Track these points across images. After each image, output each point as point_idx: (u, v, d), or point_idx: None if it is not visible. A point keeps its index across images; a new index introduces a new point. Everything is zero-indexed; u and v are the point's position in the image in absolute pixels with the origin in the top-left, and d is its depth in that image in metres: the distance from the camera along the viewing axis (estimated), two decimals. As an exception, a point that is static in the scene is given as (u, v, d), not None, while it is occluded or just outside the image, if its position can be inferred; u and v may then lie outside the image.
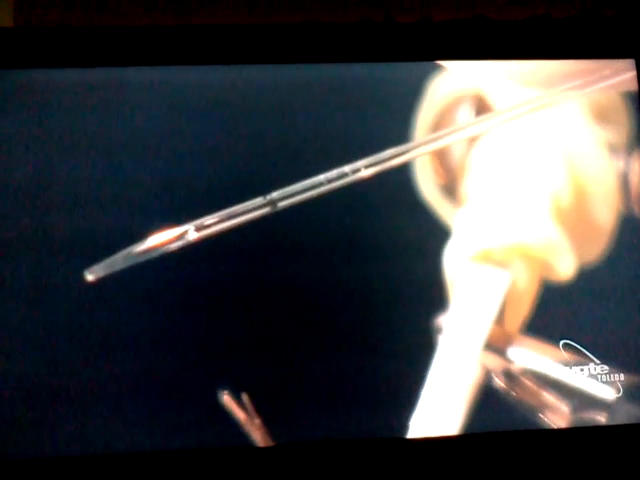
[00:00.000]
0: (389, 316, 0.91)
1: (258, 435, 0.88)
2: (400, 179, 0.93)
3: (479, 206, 0.94)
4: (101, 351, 0.88)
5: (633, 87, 0.97)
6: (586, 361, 0.92)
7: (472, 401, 0.90)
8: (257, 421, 0.88)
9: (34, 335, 0.87)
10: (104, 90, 0.92)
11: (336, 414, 0.89)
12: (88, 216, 0.89)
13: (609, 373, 0.92)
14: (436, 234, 0.92)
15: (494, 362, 0.91)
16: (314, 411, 0.89)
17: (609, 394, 0.92)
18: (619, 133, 0.96)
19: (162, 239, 0.89)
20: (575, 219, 0.94)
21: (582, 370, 0.92)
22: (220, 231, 0.90)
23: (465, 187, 0.94)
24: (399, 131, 0.94)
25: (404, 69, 0.96)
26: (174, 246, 0.89)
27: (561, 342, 0.92)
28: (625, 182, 0.96)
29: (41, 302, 0.88)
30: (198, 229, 0.89)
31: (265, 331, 0.89)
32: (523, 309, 0.92)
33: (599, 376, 0.92)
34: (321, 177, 0.91)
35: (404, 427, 0.89)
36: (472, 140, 0.95)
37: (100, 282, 0.88)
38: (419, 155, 0.93)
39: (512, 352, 0.92)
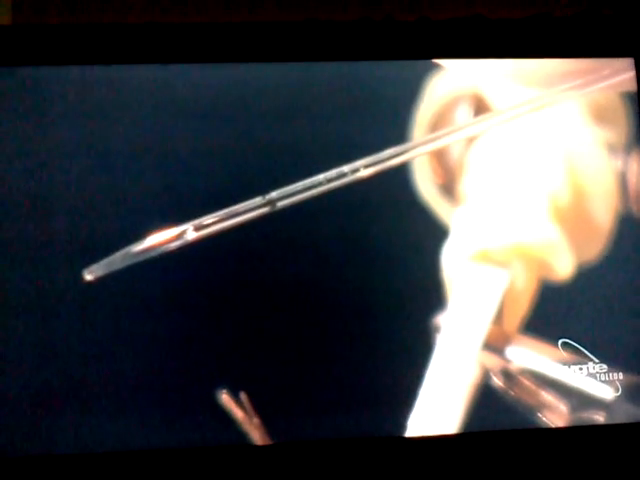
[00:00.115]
0: (388, 315, 0.91)
1: (257, 434, 0.88)
2: (399, 179, 0.93)
3: (478, 206, 0.94)
4: (100, 350, 0.88)
5: (632, 87, 0.97)
6: (585, 360, 0.92)
7: (470, 400, 0.91)
8: (256, 420, 0.88)
9: (32, 335, 0.87)
10: (103, 89, 0.92)
11: (335, 413, 0.89)
12: (87, 216, 0.89)
13: (608, 372, 0.92)
14: (435, 234, 0.92)
15: (492, 361, 0.92)
16: (312, 410, 0.89)
17: (608, 393, 0.92)
18: (618, 133, 0.96)
19: (161, 239, 0.89)
20: (574, 219, 0.94)
21: (581, 369, 0.92)
22: (219, 231, 0.90)
23: (463, 187, 0.94)
24: (397, 129, 0.93)
25: (403, 68, 0.95)
26: (173, 246, 0.89)
27: (560, 341, 0.92)
28: (624, 182, 0.96)
29: (40, 302, 0.88)
30: (197, 229, 0.89)
31: (264, 331, 0.90)
32: (522, 308, 0.92)
33: (598, 375, 0.92)
34: (320, 177, 0.91)
35: (402, 426, 0.90)
36: (471, 140, 0.95)
37: (99, 282, 0.88)
38: (418, 155, 0.93)
39: (510, 351, 0.92)
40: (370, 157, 0.92)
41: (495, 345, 0.92)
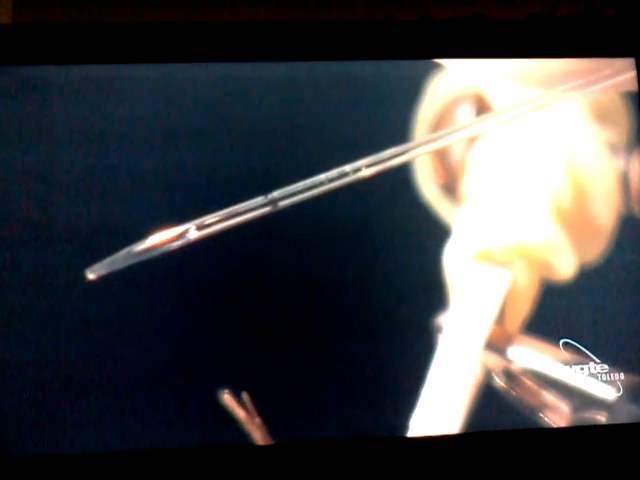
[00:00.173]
0: (390, 315, 0.91)
1: (258, 434, 0.88)
2: (400, 178, 0.93)
3: (479, 205, 0.94)
4: (101, 350, 0.87)
5: (633, 87, 0.97)
6: (586, 360, 0.92)
7: (472, 400, 0.90)
8: (257, 420, 0.88)
9: (35, 334, 0.87)
10: (104, 87, 0.92)
11: (336, 413, 0.89)
12: (89, 215, 0.89)
13: (609, 372, 0.92)
14: (436, 234, 0.92)
15: (494, 361, 0.92)
16: (314, 410, 0.89)
17: (609, 393, 0.92)
18: (619, 133, 0.96)
19: (163, 238, 0.89)
20: (575, 218, 0.94)
21: (582, 369, 0.92)
22: (221, 230, 0.89)
23: (465, 186, 0.94)
24: (399, 129, 0.93)
25: (404, 67, 0.95)
26: (175, 245, 0.89)
27: (561, 341, 0.92)
28: (625, 182, 0.96)
29: (42, 301, 0.87)
30: (199, 228, 0.89)
31: (266, 330, 0.89)
32: (523, 308, 0.92)
33: (599, 375, 0.92)
34: (322, 176, 0.91)
35: (404, 426, 0.89)
36: (472, 139, 0.95)
37: (101, 281, 0.88)
38: (419, 155, 0.93)
39: (512, 351, 0.92)
40: (372, 157, 0.92)
41: (497, 345, 0.92)
